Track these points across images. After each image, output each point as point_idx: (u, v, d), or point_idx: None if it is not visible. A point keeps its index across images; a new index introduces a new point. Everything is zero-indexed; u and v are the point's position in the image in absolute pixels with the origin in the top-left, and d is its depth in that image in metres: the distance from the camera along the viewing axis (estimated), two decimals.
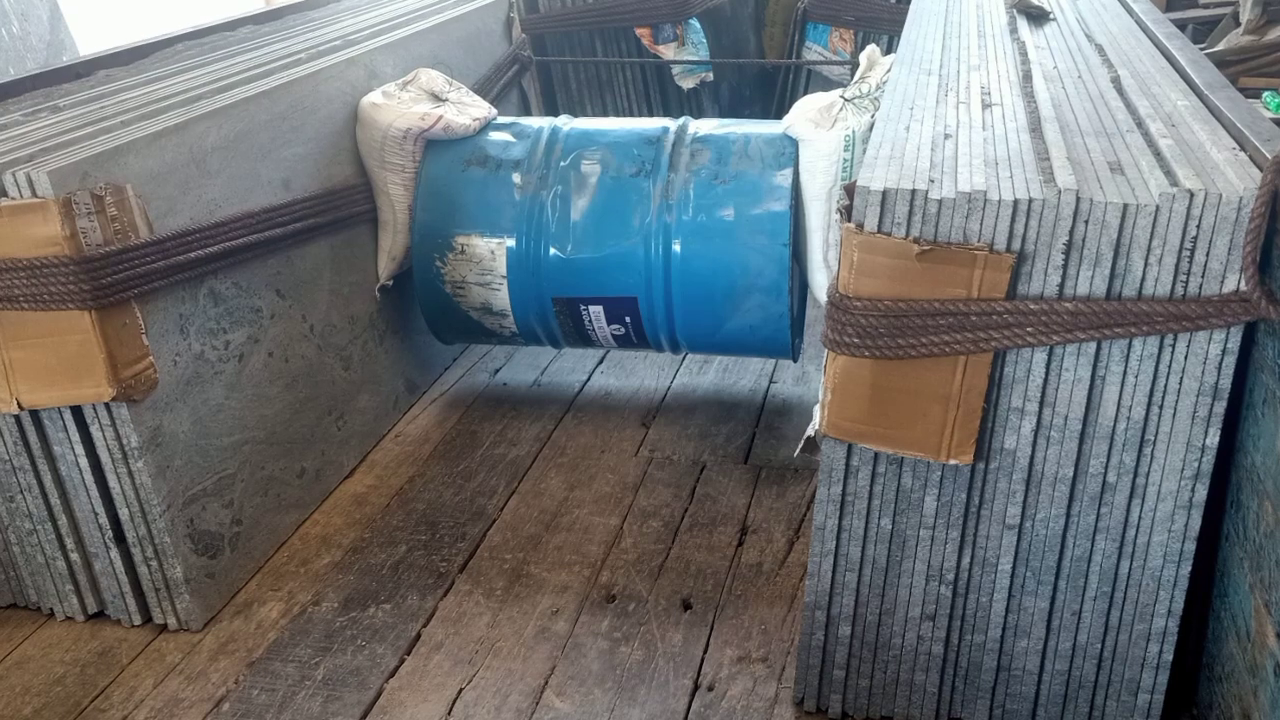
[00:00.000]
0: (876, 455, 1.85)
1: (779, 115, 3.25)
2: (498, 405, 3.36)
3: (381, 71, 3.15)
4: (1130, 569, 1.85)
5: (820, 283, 2.85)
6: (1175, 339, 1.68)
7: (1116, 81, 2.22)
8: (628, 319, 2.96)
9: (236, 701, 2.22)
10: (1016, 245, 1.65)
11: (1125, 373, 1.71)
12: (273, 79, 2.74)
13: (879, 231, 1.68)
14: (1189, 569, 1.83)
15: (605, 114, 4.76)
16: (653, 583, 2.52)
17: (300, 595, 2.53)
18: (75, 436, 2.26)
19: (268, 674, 2.29)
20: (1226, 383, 1.69)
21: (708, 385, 3.44)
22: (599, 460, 3.03)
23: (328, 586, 2.55)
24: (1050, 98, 2.11)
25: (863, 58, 2.93)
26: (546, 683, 2.24)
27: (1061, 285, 1.67)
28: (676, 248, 2.85)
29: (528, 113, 4.37)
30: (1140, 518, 1.81)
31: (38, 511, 2.35)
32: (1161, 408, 1.73)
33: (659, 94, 4.80)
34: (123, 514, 2.32)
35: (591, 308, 2.96)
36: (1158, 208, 1.60)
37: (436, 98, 3.11)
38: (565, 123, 3.11)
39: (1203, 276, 1.63)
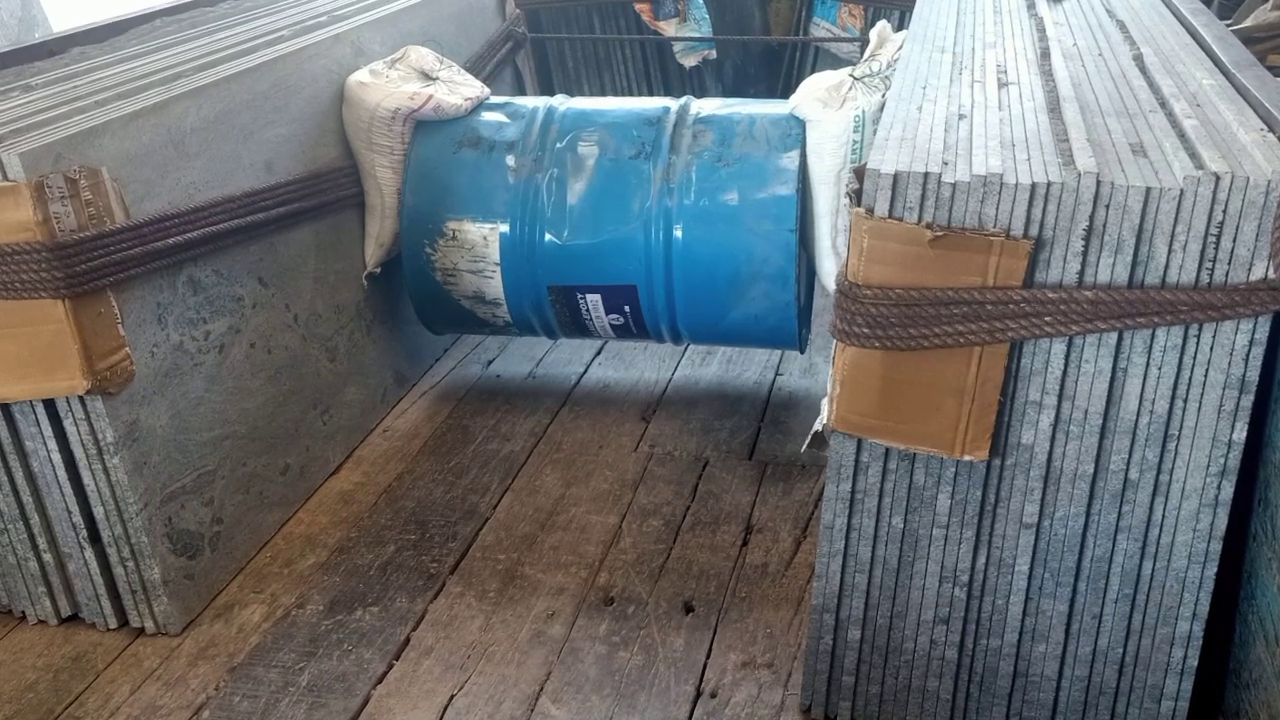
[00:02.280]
0: (887, 451, 1.85)
1: (785, 95, 3.24)
2: (491, 398, 3.36)
3: (369, 49, 3.14)
4: (1153, 570, 1.85)
5: (828, 270, 2.84)
6: (1200, 329, 1.67)
7: (1139, 59, 2.22)
8: (627, 308, 2.96)
9: (217, 709, 2.22)
10: (1034, 231, 1.65)
11: (1148, 364, 1.71)
12: (255, 57, 2.74)
13: (890, 217, 1.68)
14: (1215, 570, 1.83)
15: (603, 93, 4.76)
16: (653, 584, 2.52)
17: (284, 597, 2.53)
18: (48, 431, 2.25)
19: (249, 680, 2.29)
20: (1254, 375, 1.69)
21: (710, 378, 3.43)
22: (597, 456, 3.03)
23: (312, 588, 2.55)
24: (1069, 76, 2.11)
25: (873, 34, 2.92)
26: (542, 689, 2.24)
27: (1081, 273, 1.66)
28: (678, 233, 2.84)
29: (522, 92, 4.36)
30: (1164, 516, 1.81)
31: (8, 510, 2.35)
32: (1186, 401, 1.72)
33: (659, 72, 4.79)
34: (98, 512, 2.32)
35: (589, 296, 2.96)
36: (1182, 191, 1.59)
37: (426, 76, 3.10)
38: (561, 103, 3.11)
39: (1229, 264, 1.62)
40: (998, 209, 1.64)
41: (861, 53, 3.16)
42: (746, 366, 3.48)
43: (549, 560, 2.61)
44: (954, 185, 1.64)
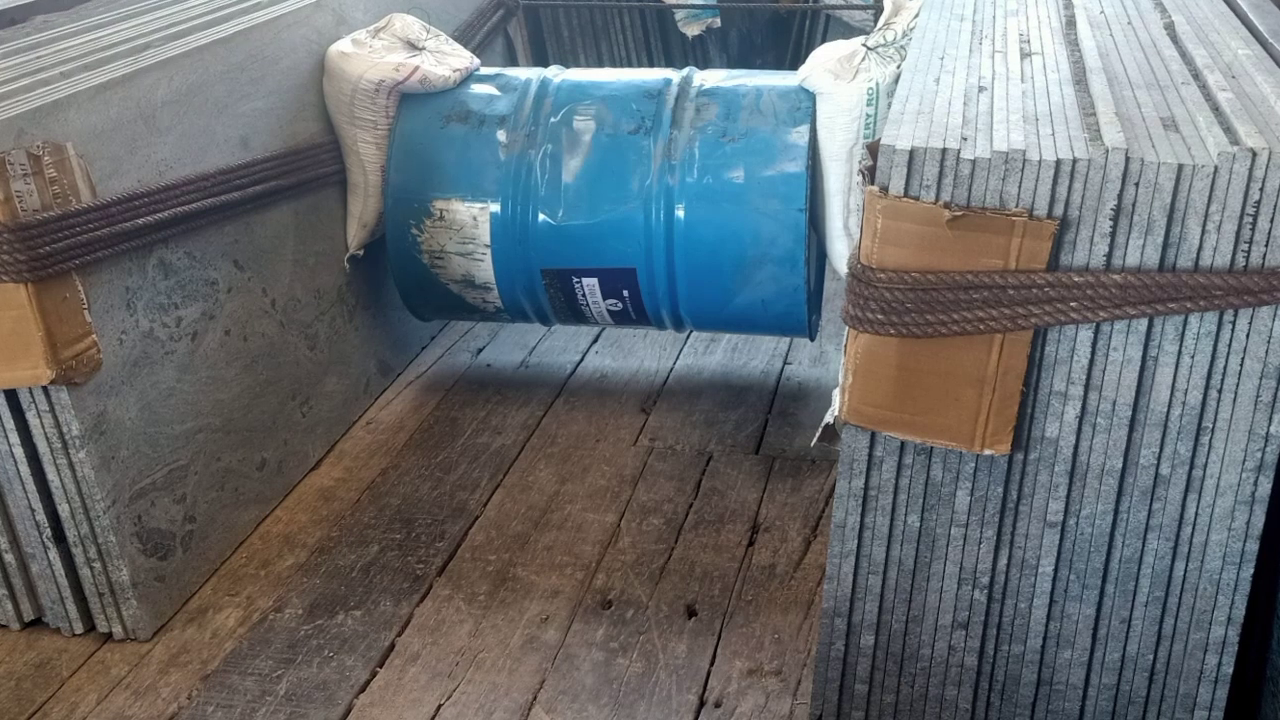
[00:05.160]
0: (903, 445, 1.85)
1: (794, 66, 3.24)
2: (481, 389, 3.36)
3: (351, 17, 3.14)
4: (1185, 571, 1.85)
5: (840, 252, 2.84)
6: (1236, 315, 1.67)
7: (1170, 28, 2.21)
8: (625, 293, 2.96)
9: (189, 719, 2.22)
10: (1059, 210, 1.64)
11: (1180, 353, 1.71)
12: (230, 25, 2.73)
13: (905, 195, 1.68)
14: (1251, 571, 1.83)
15: (600, 64, 4.76)
16: (653, 587, 2.52)
17: (260, 601, 2.53)
18: (10, 424, 2.25)
19: (224, 688, 2.29)
20: None
21: (715, 367, 3.43)
22: (593, 450, 3.03)
23: (291, 591, 2.55)
24: (1096, 46, 2.11)
25: (887, 1, 2.92)
26: (535, 698, 2.24)
27: (1109, 255, 1.66)
28: (680, 213, 2.84)
29: (514, 63, 4.36)
30: (1197, 514, 1.81)
31: None
32: (1220, 391, 1.72)
33: (660, 42, 4.79)
34: (62, 510, 2.32)
35: (585, 280, 2.96)
36: (1216, 169, 1.59)
37: (412, 46, 3.10)
38: (556, 74, 3.10)
39: (1266, 245, 1.62)
40: (1020, 187, 1.64)
41: (875, 21, 3.15)
42: (753, 355, 3.48)
43: (543, 561, 2.62)
44: (974, 162, 1.64)
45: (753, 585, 2.51)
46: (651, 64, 4.79)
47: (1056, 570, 1.89)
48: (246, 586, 2.57)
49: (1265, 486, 1.77)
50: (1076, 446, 1.80)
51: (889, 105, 1.95)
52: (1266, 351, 1.68)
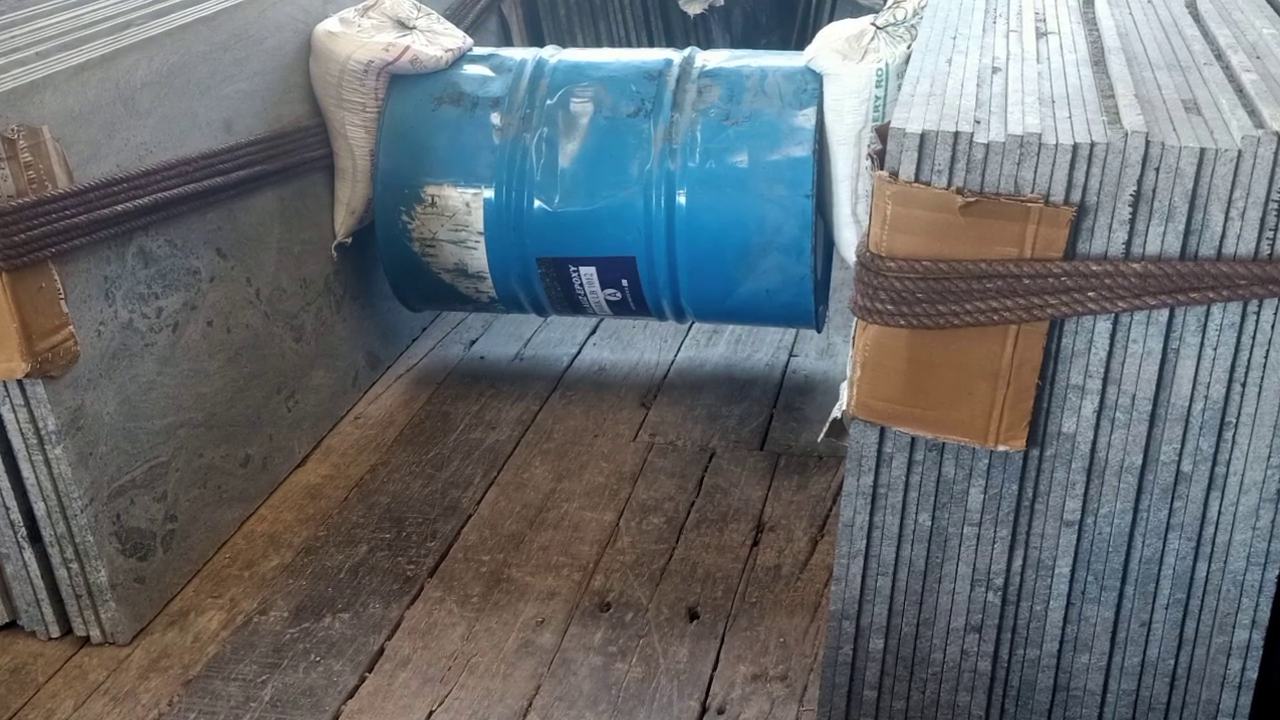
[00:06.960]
0: (913, 440, 1.85)
1: (800, 46, 3.24)
2: (474, 382, 3.36)
3: None
4: (1208, 572, 1.85)
5: (848, 240, 2.84)
6: (1260, 305, 1.67)
7: (1192, 6, 2.21)
8: (625, 282, 2.96)
9: None
10: (1076, 197, 1.64)
11: (1202, 344, 1.71)
12: (213, 3, 2.72)
13: (916, 181, 1.67)
14: (1276, 572, 1.83)
15: (599, 44, 4.75)
16: (653, 588, 2.52)
17: (244, 603, 2.53)
18: None
19: (207, 694, 2.29)
20: None
21: (717, 359, 3.43)
22: (591, 446, 3.03)
23: (276, 593, 2.55)
24: (1115, 25, 2.10)
25: None
26: (531, 704, 2.24)
27: (1128, 243, 1.66)
28: (681, 199, 2.84)
29: (509, 43, 4.35)
30: (1220, 513, 1.81)
31: None
32: (1244, 385, 1.72)
33: (660, 21, 4.78)
34: (38, 509, 2.32)
35: (582, 269, 2.96)
36: (1240, 153, 1.59)
37: (402, 25, 3.10)
38: (552, 54, 3.10)
39: None
40: (1036, 172, 1.63)
41: None
42: (757, 347, 3.48)
43: (538, 561, 2.62)
44: (987, 146, 1.63)
45: (757, 587, 2.51)
46: (652, 44, 4.78)
47: (1074, 571, 1.89)
48: (230, 588, 2.57)
49: None
50: (1094, 442, 1.80)
51: (899, 87, 1.95)
52: None
